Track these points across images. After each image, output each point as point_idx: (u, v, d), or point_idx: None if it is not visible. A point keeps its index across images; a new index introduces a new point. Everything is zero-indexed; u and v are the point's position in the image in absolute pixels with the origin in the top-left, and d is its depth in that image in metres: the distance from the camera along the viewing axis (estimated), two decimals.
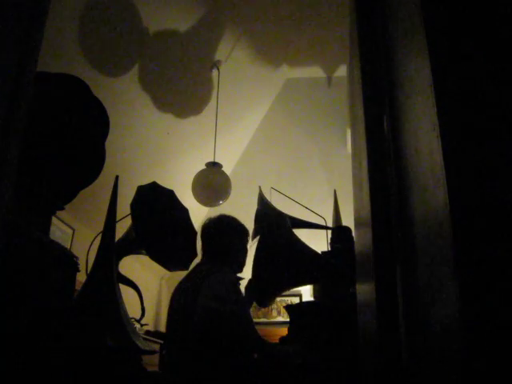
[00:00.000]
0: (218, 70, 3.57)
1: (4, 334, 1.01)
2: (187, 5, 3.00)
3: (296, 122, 4.65)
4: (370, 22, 1.03)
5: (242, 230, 2.13)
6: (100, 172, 1.43)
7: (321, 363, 1.67)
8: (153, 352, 1.63)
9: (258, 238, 2.38)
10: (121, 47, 2.87)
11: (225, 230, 2.07)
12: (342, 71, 4.10)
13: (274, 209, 2.46)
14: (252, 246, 2.37)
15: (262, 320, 5.48)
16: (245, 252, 2.10)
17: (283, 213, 2.41)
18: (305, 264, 1.96)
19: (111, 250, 1.48)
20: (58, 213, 1.46)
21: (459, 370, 0.46)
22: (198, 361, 1.83)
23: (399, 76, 0.80)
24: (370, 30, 1.03)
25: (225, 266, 2.00)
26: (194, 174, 3.53)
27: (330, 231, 2.36)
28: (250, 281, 1.98)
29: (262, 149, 4.78)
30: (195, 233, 2.16)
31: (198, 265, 2.09)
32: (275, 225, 2.06)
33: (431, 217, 0.56)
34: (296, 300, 5.25)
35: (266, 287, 1.94)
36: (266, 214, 2.28)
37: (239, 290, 1.95)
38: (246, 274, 2.05)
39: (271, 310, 5.62)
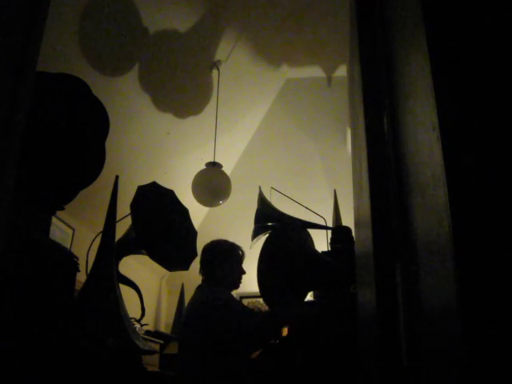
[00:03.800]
0: (218, 69, 3.57)
1: (4, 333, 1.01)
2: (187, 5, 3.00)
3: (296, 121, 4.64)
4: (370, 22, 1.03)
5: (226, 250, 2.23)
6: (100, 172, 1.43)
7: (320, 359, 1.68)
8: (153, 352, 1.63)
9: (257, 238, 2.39)
10: (121, 47, 2.87)
11: (207, 255, 2.21)
12: (341, 71, 4.09)
13: (274, 209, 2.46)
14: (252, 246, 2.38)
15: None
16: (231, 270, 2.21)
17: (285, 213, 2.42)
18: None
19: (111, 250, 1.48)
20: (58, 213, 1.46)
21: (460, 370, 0.46)
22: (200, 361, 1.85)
23: (399, 76, 0.80)
24: (370, 29, 1.03)
25: (212, 284, 2.14)
26: (194, 174, 3.53)
27: (330, 231, 2.36)
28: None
29: (262, 149, 4.77)
30: (195, 233, 2.16)
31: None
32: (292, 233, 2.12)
33: (431, 217, 0.56)
34: None
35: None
36: (272, 216, 2.33)
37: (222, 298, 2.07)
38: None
39: None
